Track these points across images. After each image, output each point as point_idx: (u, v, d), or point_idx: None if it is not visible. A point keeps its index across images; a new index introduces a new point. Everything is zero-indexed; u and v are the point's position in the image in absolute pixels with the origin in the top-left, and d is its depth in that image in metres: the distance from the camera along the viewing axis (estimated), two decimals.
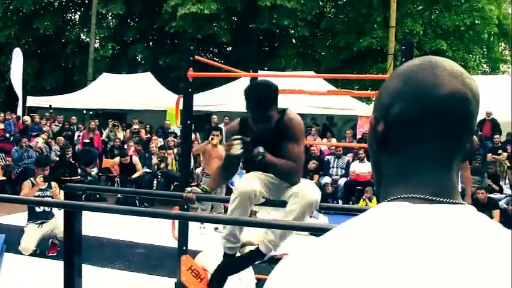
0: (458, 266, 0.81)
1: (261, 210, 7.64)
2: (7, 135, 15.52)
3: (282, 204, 3.83)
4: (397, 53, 20.09)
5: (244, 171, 11.85)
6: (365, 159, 13.31)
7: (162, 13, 25.18)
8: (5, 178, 13.17)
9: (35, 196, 7.80)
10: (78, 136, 16.13)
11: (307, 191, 3.74)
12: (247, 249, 7.30)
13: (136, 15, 28.98)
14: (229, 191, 11.82)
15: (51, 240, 8.00)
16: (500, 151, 13.64)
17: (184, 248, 6.64)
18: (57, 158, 13.98)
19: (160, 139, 15.52)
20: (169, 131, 16.02)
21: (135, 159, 13.25)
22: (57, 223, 7.79)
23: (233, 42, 27.08)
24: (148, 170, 13.62)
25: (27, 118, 17.43)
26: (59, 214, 7.55)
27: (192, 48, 6.65)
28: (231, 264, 4.14)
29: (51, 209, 8.00)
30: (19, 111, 18.84)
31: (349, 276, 0.82)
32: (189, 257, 6.75)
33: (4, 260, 6.74)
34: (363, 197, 12.25)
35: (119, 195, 12.69)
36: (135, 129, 16.05)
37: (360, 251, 0.85)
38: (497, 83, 15.86)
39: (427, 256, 0.83)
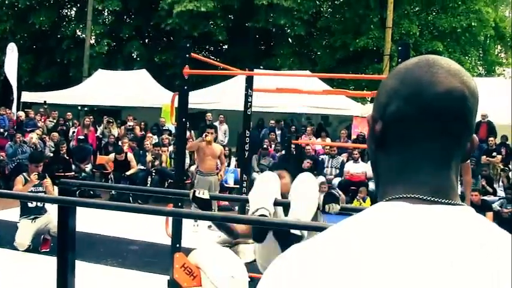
0: (455, 267, 0.81)
1: None
2: (1, 130, 15.46)
3: None
4: (393, 53, 20.14)
5: (238, 169, 11.81)
6: (359, 159, 13.34)
7: (159, 10, 25.13)
8: None
9: (28, 192, 7.80)
10: (73, 132, 16.08)
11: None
12: (241, 247, 7.32)
13: (133, 12, 28.91)
14: (223, 189, 11.85)
15: (43, 236, 7.97)
16: (494, 153, 13.67)
17: (177, 245, 6.63)
18: (52, 154, 13.94)
19: (155, 136, 15.49)
20: (164, 128, 15.99)
21: (130, 156, 13.23)
22: (50, 218, 7.77)
23: (229, 40, 27.06)
24: (142, 167, 13.60)
25: (21, 113, 17.36)
26: (51, 210, 7.55)
27: (188, 45, 6.64)
28: None
29: (43, 205, 7.98)
30: (14, 107, 18.77)
31: (343, 276, 0.82)
32: (182, 255, 6.74)
33: None
34: (357, 197, 12.27)
35: (113, 192, 12.68)
36: (129, 126, 16.00)
37: (355, 251, 0.84)
38: (493, 85, 15.89)
39: (424, 257, 0.82)
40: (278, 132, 16.49)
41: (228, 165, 10.79)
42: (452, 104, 0.92)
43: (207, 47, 29.64)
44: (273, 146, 15.09)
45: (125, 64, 26.96)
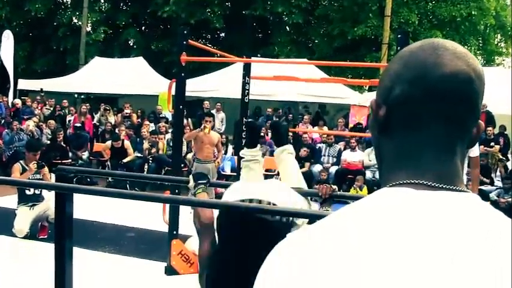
0: (459, 255, 0.80)
1: None
2: None
3: None
4: (392, 42, 20.10)
5: (235, 157, 11.79)
6: (356, 148, 13.33)
7: None
8: None
9: None
10: (69, 121, 16.05)
11: None
12: None
13: None
14: (220, 177, 11.84)
15: (40, 223, 7.97)
16: (492, 143, 13.68)
17: (174, 232, 6.64)
18: (48, 142, 13.92)
19: (152, 124, 15.46)
20: (161, 116, 15.97)
21: (127, 143, 13.21)
22: (48, 205, 7.77)
23: (226, 28, 27.02)
24: (139, 155, 13.58)
25: (18, 101, 17.33)
26: (49, 197, 7.54)
27: (185, 32, 6.61)
28: None
29: (41, 192, 7.97)
30: (10, 94, 18.72)
31: (343, 266, 0.81)
32: (179, 242, 6.75)
33: None
34: (354, 185, 12.29)
35: (110, 179, 12.68)
36: (126, 113, 15.97)
37: (355, 240, 0.83)
38: (492, 75, 15.85)
39: (426, 245, 0.81)
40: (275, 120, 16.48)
41: (225, 153, 10.78)
42: (457, 86, 0.91)
43: (204, 35, 29.55)
44: (269, 134, 15.06)
45: (121, 52, 26.90)
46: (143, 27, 29.88)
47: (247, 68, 8.53)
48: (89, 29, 27.11)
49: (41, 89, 18.74)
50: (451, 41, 0.98)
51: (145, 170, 13.23)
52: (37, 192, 7.91)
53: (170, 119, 15.11)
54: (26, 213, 7.76)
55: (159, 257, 6.93)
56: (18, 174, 7.85)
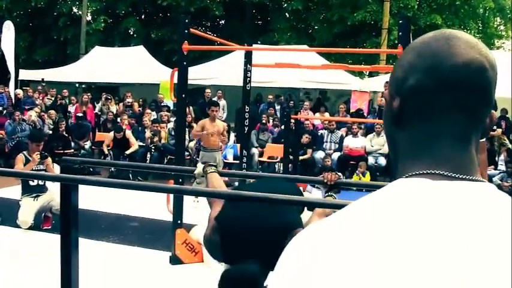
0: (475, 243, 0.80)
1: None
2: (0, 108, 15.44)
3: None
4: (392, 27, 20.03)
5: (237, 145, 11.77)
6: (358, 133, 13.32)
7: None
8: None
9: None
10: (70, 112, 16.05)
11: None
12: None
13: None
14: (225, 166, 11.84)
15: (44, 213, 7.99)
16: (494, 127, 13.63)
17: (179, 221, 6.67)
18: (50, 132, 13.93)
19: (154, 113, 15.46)
20: (162, 104, 15.96)
21: (129, 133, 13.16)
22: (52, 196, 7.78)
23: (226, 15, 26.90)
24: (141, 144, 13.58)
25: (19, 91, 17.32)
26: (53, 187, 7.53)
27: (187, 21, 6.61)
28: None
29: (44, 183, 7.98)
30: (11, 85, 18.70)
31: (361, 254, 0.81)
32: (183, 231, 6.79)
33: (0, 233, 6.76)
34: (357, 171, 12.30)
35: (112, 169, 12.69)
36: (128, 102, 15.96)
37: (375, 228, 0.84)
38: None
39: (444, 236, 0.81)
40: (277, 107, 16.46)
41: (228, 141, 10.81)
42: (471, 75, 0.91)
43: (203, 23, 29.45)
44: (271, 121, 15.07)
45: (121, 41, 26.84)
46: (143, 16, 29.76)
47: (248, 56, 8.53)
48: (89, 18, 27.02)
49: (42, 79, 18.73)
50: (462, 31, 0.98)
51: (148, 159, 13.25)
52: (41, 183, 7.91)
53: (172, 107, 15.10)
54: (30, 204, 7.77)
55: (164, 246, 6.95)
56: (22, 165, 7.86)
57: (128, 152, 12.89)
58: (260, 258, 2.76)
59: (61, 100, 16.63)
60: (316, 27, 26.88)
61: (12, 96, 17.09)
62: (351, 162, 12.95)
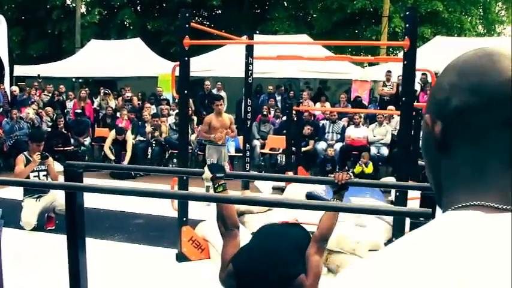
0: None
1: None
2: None
3: None
4: (392, 15, 19.90)
5: (238, 137, 11.68)
6: (360, 124, 13.24)
7: None
8: None
9: (30, 172, 7.73)
10: (67, 109, 15.90)
11: None
12: (247, 217, 7.27)
13: None
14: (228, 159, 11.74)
15: (47, 214, 7.89)
16: None
17: (184, 218, 6.59)
18: (49, 129, 13.79)
19: (153, 106, 15.35)
20: (162, 98, 15.83)
21: (129, 134, 12.97)
22: (55, 196, 7.69)
23: (223, 5, 26.74)
24: (142, 138, 13.48)
25: (15, 88, 17.12)
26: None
27: (187, 15, 6.49)
28: None
29: None
30: (6, 81, 18.49)
31: None
32: (189, 228, 6.72)
33: (4, 235, 6.63)
34: (359, 162, 12.21)
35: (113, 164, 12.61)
36: (127, 97, 15.84)
37: (435, 272, 0.76)
38: (493, 44, 15.72)
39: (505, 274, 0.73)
40: (278, 97, 16.34)
41: (236, 134, 10.65)
42: None
43: (201, 13, 29.31)
44: (272, 112, 14.97)
45: (117, 33, 26.68)
46: (139, 7, 29.60)
47: (250, 49, 8.44)
48: (83, 10, 26.81)
49: (38, 75, 18.53)
50: (503, 46, 0.92)
51: (149, 153, 13.15)
52: None
53: (171, 100, 14.99)
54: (32, 205, 7.67)
55: (170, 243, 6.88)
56: (22, 165, 7.75)
57: (125, 162, 12.68)
58: None
59: (58, 96, 16.48)
60: (315, 15, 26.74)
61: (8, 93, 16.88)
62: (353, 152, 12.87)
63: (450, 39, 19.71)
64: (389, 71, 14.97)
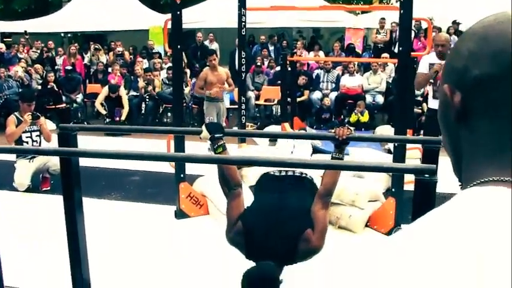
0: None
1: None
2: None
3: None
4: None
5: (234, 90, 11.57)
6: (355, 72, 13.12)
7: None
8: None
9: (22, 133, 7.61)
10: (57, 65, 15.65)
11: None
12: (244, 170, 7.21)
13: None
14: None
15: (41, 175, 7.82)
16: None
17: (181, 175, 6.54)
18: (39, 87, 13.58)
19: (145, 60, 15.14)
20: (154, 51, 15.60)
21: (122, 91, 12.78)
22: (48, 157, 7.59)
23: None
24: (135, 94, 13.32)
25: (1, 45, 16.75)
26: (49, 148, 7.32)
27: None
28: None
29: (40, 144, 7.78)
30: None
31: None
32: (187, 184, 6.67)
33: None
34: (355, 110, 12.17)
35: (107, 120, 12.50)
36: (118, 51, 15.59)
37: (460, 247, 0.71)
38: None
39: None
40: (271, 48, 16.13)
41: (234, 87, 10.48)
42: None
43: None
44: (266, 62, 14.79)
45: None
46: None
47: (242, 0, 8.27)
48: None
49: (25, 31, 18.16)
50: None
51: (143, 108, 13.03)
52: (35, 145, 7.71)
53: (163, 54, 14.78)
54: (25, 166, 7.58)
55: (168, 200, 6.84)
56: (14, 126, 7.62)
57: (123, 117, 12.57)
58: (276, 256, 3.22)
59: (47, 52, 16.18)
60: None
61: None
62: (349, 101, 12.79)
63: None
64: (383, 18, 14.85)
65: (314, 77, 13.68)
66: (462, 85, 0.85)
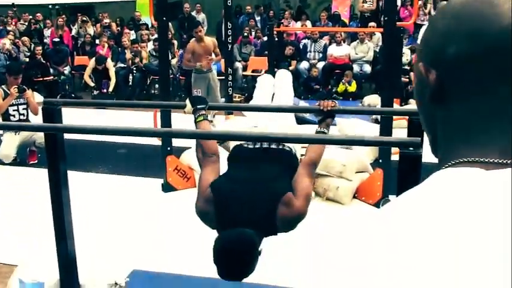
0: None
1: None
2: None
3: None
4: None
5: (221, 61, 11.53)
6: (342, 42, 13.09)
7: None
8: None
9: (9, 106, 7.60)
10: (45, 37, 15.52)
11: None
12: (231, 143, 7.24)
13: None
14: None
15: (28, 148, 7.83)
16: None
17: (168, 148, 6.56)
18: (27, 59, 13.52)
19: (132, 32, 15.05)
20: (141, 23, 15.49)
21: (109, 63, 12.69)
22: None
23: None
24: (122, 65, 13.26)
25: None
26: (36, 121, 7.32)
27: None
28: None
29: (27, 117, 7.80)
30: None
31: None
32: (174, 157, 6.70)
33: None
34: (342, 80, 12.18)
35: (95, 93, 12.45)
36: (105, 23, 15.47)
37: (433, 230, 0.70)
38: None
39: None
40: (257, 18, 16.04)
41: (221, 57, 10.42)
42: None
43: None
44: (253, 33, 14.73)
45: None
46: None
47: None
48: None
49: (13, 3, 17.99)
50: None
51: (130, 80, 12.97)
52: (22, 118, 7.72)
53: (150, 25, 14.69)
54: (11, 139, 7.60)
55: (155, 173, 6.86)
56: (1, 100, 7.62)
57: (110, 89, 12.49)
58: (253, 224, 2.90)
59: (35, 25, 16.06)
60: None
61: None
62: (336, 71, 12.78)
63: None
64: None
65: (301, 47, 13.66)
66: (438, 63, 0.83)
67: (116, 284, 3.95)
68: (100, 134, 3.44)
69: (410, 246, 0.70)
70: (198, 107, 3.48)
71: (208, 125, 3.49)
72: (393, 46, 6.40)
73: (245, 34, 14.07)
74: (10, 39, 14.08)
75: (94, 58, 12.70)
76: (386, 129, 5.91)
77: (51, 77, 13.14)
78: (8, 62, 12.18)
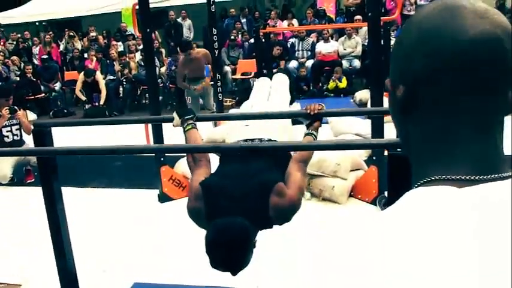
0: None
1: None
2: None
3: None
4: None
5: (208, 65, 11.55)
6: (329, 38, 13.11)
7: None
8: None
9: (2, 127, 7.63)
10: (32, 56, 15.54)
11: None
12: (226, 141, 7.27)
13: None
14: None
15: (24, 168, 7.86)
16: None
17: (161, 159, 6.58)
18: (18, 78, 13.55)
19: (120, 43, 15.07)
20: (127, 33, 15.51)
21: (98, 76, 12.72)
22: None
23: None
24: (112, 77, 13.29)
25: None
26: (30, 141, 7.34)
27: None
28: None
29: (21, 137, 7.82)
30: None
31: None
32: (168, 168, 6.72)
33: None
34: (333, 77, 12.19)
35: (87, 106, 12.48)
36: (92, 36, 15.50)
37: (403, 251, 0.72)
38: None
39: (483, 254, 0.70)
40: (243, 20, 16.04)
41: None
42: (485, 50, 0.78)
43: None
44: (240, 36, 14.75)
45: None
46: None
47: None
48: None
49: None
50: None
51: (121, 92, 13.00)
52: (16, 138, 7.75)
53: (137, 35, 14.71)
54: (6, 159, 7.62)
55: (150, 184, 6.87)
56: None
57: (101, 102, 12.53)
58: (246, 215, 2.84)
59: (23, 43, 16.10)
60: None
61: None
62: (326, 68, 12.81)
63: None
64: None
65: (289, 46, 13.68)
66: (405, 78, 0.85)
67: None
68: (90, 154, 3.46)
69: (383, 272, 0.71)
70: (186, 117, 3.50)
71: (197, 133, 3.50)
72: (380, 41, 6.38)
73: (232, 37, 14.08)
74: (0, 60, 14.11)
75: (83, 72, 12.73)
76: (377, 127, 5.87)
77: (43, 94, 13.21)
78: None
